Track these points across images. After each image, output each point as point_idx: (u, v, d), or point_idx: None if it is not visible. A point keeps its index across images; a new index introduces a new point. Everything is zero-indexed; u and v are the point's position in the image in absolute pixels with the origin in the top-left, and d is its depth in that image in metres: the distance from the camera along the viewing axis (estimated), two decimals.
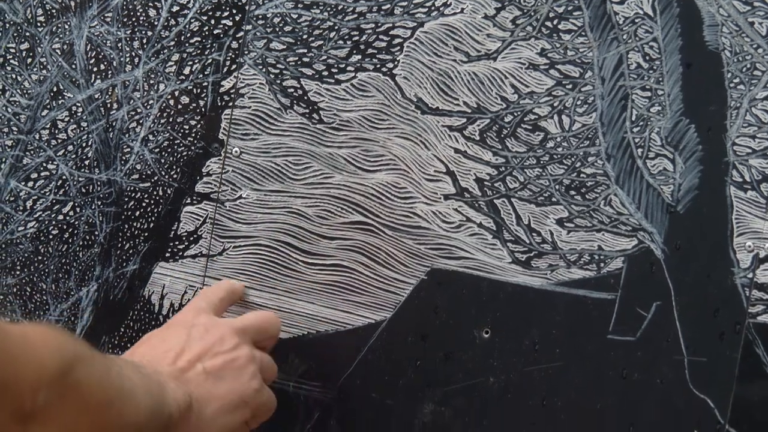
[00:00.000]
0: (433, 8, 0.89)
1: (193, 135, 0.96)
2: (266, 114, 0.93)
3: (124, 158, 0.98)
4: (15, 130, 1.01)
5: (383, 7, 0.90)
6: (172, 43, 0.96)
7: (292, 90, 0.92)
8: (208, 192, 0.95)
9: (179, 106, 0.96)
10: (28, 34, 1.00)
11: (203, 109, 0.96)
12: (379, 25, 0.90)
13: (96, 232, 0.99)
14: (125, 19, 0.97)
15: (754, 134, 0.82)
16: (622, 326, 0.85)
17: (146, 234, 0.98)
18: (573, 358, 0.86)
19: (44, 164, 1.01)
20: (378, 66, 0.90)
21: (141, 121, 0.98)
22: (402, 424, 0.90)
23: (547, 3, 0.86)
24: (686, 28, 0.83)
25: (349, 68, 0.91)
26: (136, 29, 0.97)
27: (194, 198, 0.96)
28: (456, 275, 0.89)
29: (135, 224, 0.98)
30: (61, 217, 1.00)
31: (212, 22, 0.95)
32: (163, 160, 0.97)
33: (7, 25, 1.01)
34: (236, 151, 0.94)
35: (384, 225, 0.90)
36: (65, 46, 0.99)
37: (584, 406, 0.86)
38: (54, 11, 0.99)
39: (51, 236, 1.01)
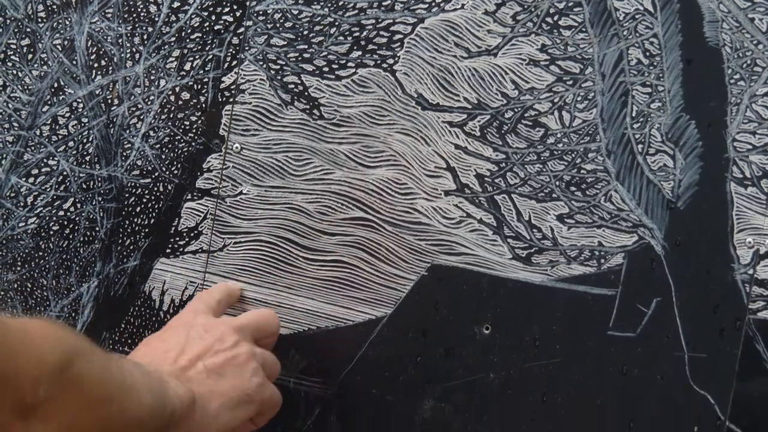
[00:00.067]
0: (433, 4, 0.89)
1: (194, 131, 0.97)
2: (267, 110, 0.94)
3: (124, 154, 0.99)
4: (16, 126, 1.02)
5: (384, 3, 0.91)
6: (173, 39, 0.97)
7: (293, 86, 0.93)
8: (208, 188, 0.96)
9: (180, 102, 0.97)
10: (29, 30, 1.01)
11: (204, 105, 0.96)
12: (380, 21, 0.91)
13: (97, 228, 1.00)
14: (126, 15, 0.98)
15: (755, 130, 0.82)
16: (622, 322, 0.86)
17: (147, 230, 0.98)
18: (573, 354, 0.87)
19: (45, 160, 1.01)
20: (378, 62, 0.91)
21: (142, 117, 0.98)
22: (402, 420, 0.91)
23: None
24: (686, 25, 0.83)
25: (349, 64, 0.92)
26: (136, 25, 0.98)
27: (195, 194, 0.97)
28: (456, 271, 0.90)
29: (136, 220, 0.99)
30: (61, 213, 1.01)
31: (213, 18, 0.96)
32: (163, 156, 0.98)
33: (8, 21, 1.02)
34: (237, 147, 0.95)
35: (384, 221, 0.91)
36: (66, 42, 1.00)
37: (584, 402, 0.86)
38: (55, 7, 1.00)
39: (52, 232, 1.02)
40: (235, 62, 0.95)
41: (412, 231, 0.91)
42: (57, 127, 1.01)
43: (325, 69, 0.92)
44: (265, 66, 0.94)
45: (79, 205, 1.00)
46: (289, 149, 0.93)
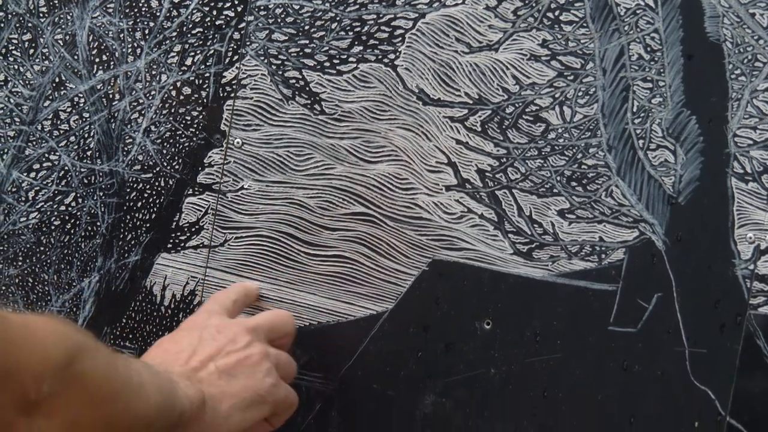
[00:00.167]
0: None
1: (195, 126, 0.98)
2: (268, 105, 0.95)
3: (126, 149, 1.00)
4: (17, 121, 1.03)
5: None
6: (174, 34, 0.98)
7: (294, 81, 0.94)
8: (209, 183, 0.97)
9: (181, 97, 0.98)
10: (30, 24, 1.02)
11: (205, 100, 0.97)
12: (381, 16, 0.91)
13: (98, 223, 1.01)
14: (127, 10, 0.99)
15: (755, 125, 0.83)
16: (623, 318, 0.86)
17: (148, 225, 0.99)
18: (574, 350, 0.87)
19: (46, 155, 1.02)
20: (380, 57, 0.92)
21: (143, 112, 0.99)
22: (403, 415, 0.92)
23: None
24: (687, 20, 0.84)
25: (350, 59, 0.93)
26: (138, 20, 0.99)
27: (196, 189, 0.98)
28: (457, 266, 0.90)
29: (137, 215, 1.00)
30: (63, 207, 1.02)
31: (214, 12, 0.97)
32: (165, 151, 0.99)
33: (10, 15, 1.03)
34: (238, 142, 0.96)
35: (385, 216, 0.92)
36: (67, 37, 1.01)
37: (585, 397, 0.87)
38: (56, 2, 1.01)
39: (53, 227, 1.02)
40: (236, 57, 0.96)
41: (413, 226, 0.91)
42: (58, 122, 1.02)
43: (327, 64, 0.93)
44: (266, 61, 0.95)
45: (80, 200, 1.01)
46: (290, 144, 0.94)
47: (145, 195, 0.99)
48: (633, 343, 0.86)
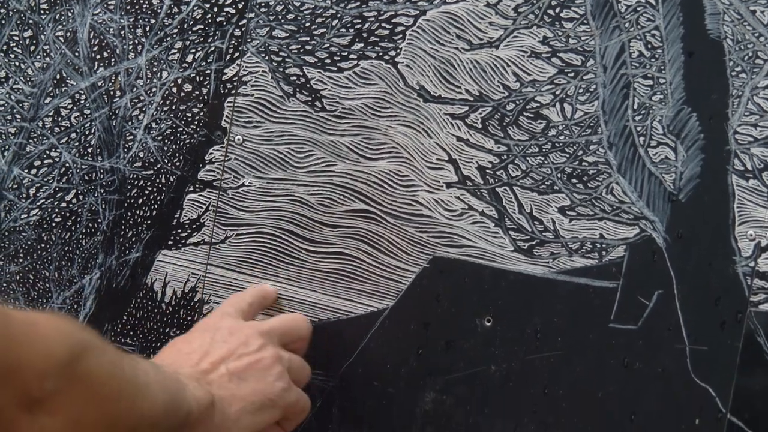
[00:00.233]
0: None
1: (196, 123, 0.98)
2: (269, 102, 0.96)
3: (127, 146, 1.00)
4: (18, 118, 1.03)
5: None
6: (175, 30, 0.99)
7: (295, 78, 0.95)
8: (210, 180, 0.98)
9: (182, 94, 0.99)
10: (31, 21, 1.03)
11: (206, 97, 0.98)
12: (382, 12, 0.92)
13: (99, 220, 1.02)
14: (128, 7, 1.00)
15: (756, 123, 0.83)
16: (623, 315, 0.87)
17: (149, 222, 1.00)
18: (574, 347, 0.88)
19: (47, 152, 1.03)
20: (380, 54, 0.92)
21: (144, 109, 1.00)
22: (403, 412, 0.92)
23: None
24: (688, 17, 0.84)
25: (351, 56, 0.93)
26: (139, 17, 0.99)
27: (197, 186, 0.98)
28: (458, 263, 0.91)
29: (138, 212, 1.00)
30: (64, 204, 1.03)
31: (215, 9, 0.97)
32: (165, 148, 0.99)
33: (11, 12, 1.03)
34: (239, 139, 0.96)
35: (386, 213, 0.93)
36: (68, 34, 1.02)
37: (586, 394, 0.87)
38: None
39: (54, 224, 1.03)
40: (237, 54, 0.97)
41: (413, 223, 0.92)
42: (59, 119, 1.03)
43: (327, 61, 0.94)
44: (267, 58, 0.95)
45: (81, 197, 1.02)
46: (291, 141, 0.95)
47: (146, 192, 1.00)
48: (634, 340, 0.86)
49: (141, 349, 1.00)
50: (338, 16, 0.93)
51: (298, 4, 0.94)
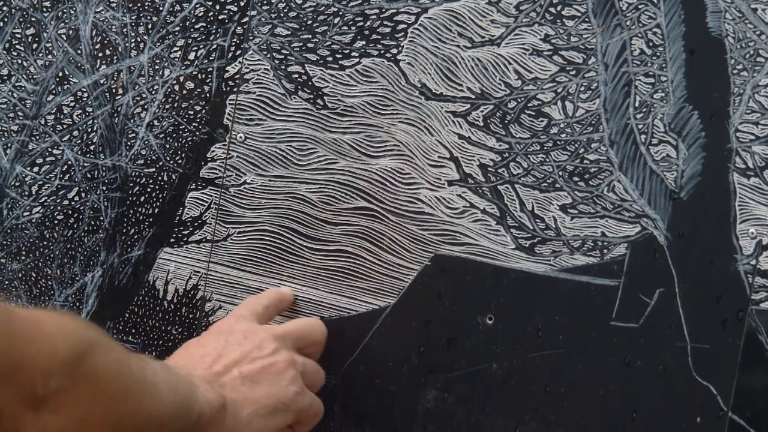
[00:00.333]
0: None
1: (198, 120, 0.99)
2: (271, 99, 0.96)
3: (129, 144, 1.01)
4: (21, 116, 1.04)
5: None
6: (177, 28, 0.99)
7: (297, 76, 0.96)
8: (212, 177, 0.99)
9: (184, 92, 0.99)
10: (33, 19, 1.04)
11: (208, 95, 0.99)
12: (384, 10, 0.93)
13: (101, 218, 1.02)
14: (130, 5, 1.00)
15: (757, 121, 0.83)
16: (625, 313, 0.87)
17: (151, 219, 1.01)
18: (576, 345, 0.88)
19: (50, 149, 1.04)
20: (382, 52, 0.93)
21: (146, 107, 1.01)
22: (405, 410, 0.93)
23: None
24: (689, 15, 0.85)
25: (353, 54, 0.94)
26: (141, 14, 1.00)
27: (199, 183, 0.99)
28: (460, 261, 0.92)
29: (140, 209, 1.01)
30: (66, 202, 1.03)
31: (217, 7, 0.98)
32: (168, 146, 1.00)
33: (13, 10, 1.04)
34: (241, 137, 0.97)
35: (388, 211, 0.93)
36: (71, 32, 1.02)
37: (587, 392, 0.88)
38: None
39: (56, 221, 1.04)
40: (239, 52, 0.98)
41: (415, 221, 0.93)
42: (62, 117, 1.03)
43: (329, 59, 0.95)
44: (269, 55, 0.96)
45: (83, 195, 1.03)
46: (293, 139, 0.96)
47: (148, 189, 1.01)
48: (635, 338, 0.87)
49: (143, 347, 1.01)
50: (340, 13, 0.94)
51: (300, 2, 0.95)
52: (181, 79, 0.99)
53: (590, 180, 0.88)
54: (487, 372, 0.91)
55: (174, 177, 1.00)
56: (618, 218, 0.87)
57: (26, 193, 1.04)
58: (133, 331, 1.01)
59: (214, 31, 0.98)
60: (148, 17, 1.00)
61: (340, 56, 0.94)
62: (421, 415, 0.93)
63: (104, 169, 1.02)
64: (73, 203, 1.03)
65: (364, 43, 0.93)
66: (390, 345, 0.94)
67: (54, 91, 1.03)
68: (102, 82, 1.02)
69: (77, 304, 1.03)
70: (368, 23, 0.93)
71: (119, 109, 1.01)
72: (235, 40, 0.98)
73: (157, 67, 1.00)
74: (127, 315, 1.02)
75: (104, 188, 1.02)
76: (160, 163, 1.00)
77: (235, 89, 0.97)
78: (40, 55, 1.03)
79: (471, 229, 0.91)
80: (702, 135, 0.85)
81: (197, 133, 0.99)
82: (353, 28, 0.94)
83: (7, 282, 1.05)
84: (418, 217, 0.93)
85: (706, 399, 0.85)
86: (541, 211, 0.90)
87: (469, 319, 0.91)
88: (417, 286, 0.93)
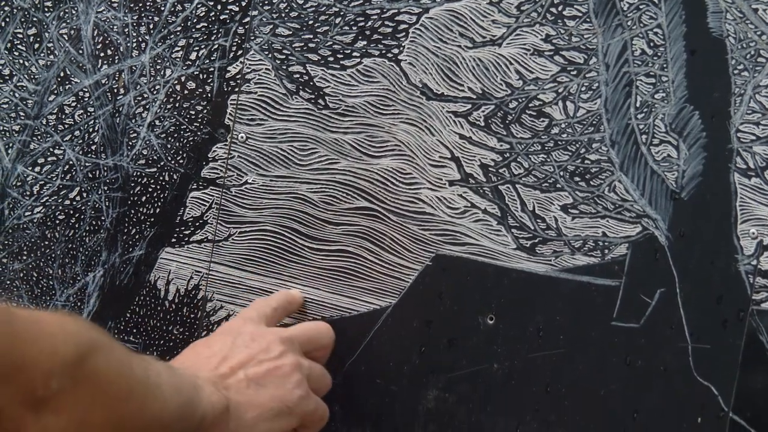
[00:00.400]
0: None
1: (200, 120, 0.99)
2: (272, 99, 0.97)
3: (130, 143, 1.02)
4: (22, 116, 1.05)
5: None
6: (179, 28, 1.00)
7: (298, 75, 0.96)
8: (214, 177, 0.99)
9: (185, 92, 1.00)
10: (35, 19, 1.04)
11: (209, 95, 0.99)
12: (385, 10, 0.93)
13: (102, 218, 1.03)
14: (132, 5, 1.01)
15: (758, 121, 0.84)
16: (626, 313, 0.87)
17: (152, 219, 1.01)
18: (577, 345, 0.89)
19: (51, 149, 1.04)
20: (383, 52, 0.93)
21: (147, 107, 1.01)
22: (406, 409, 0.93)
23: None
24: (690, 15, 0.85)
25: (354, 54, 0.94)
26: (142, 14, 1.01)
27: (200, 183, 0.99)
28: (461, 261, 0.92)
29: (141, 209, 1.01)
30: (67, 202, 1.04)
31: (218, 7, 0.99)
32: (169, 146, 1.00)
33: (15, 10, 1.04)
34: (242, 137, 0.98)
35: (389, 210, 0.94)
36: (72, 32, 1.03)
37: (588, 392, 0.88)
38: None
39: (57, 221, 1.04)
40: (240, 52, 0.98)
41: (416, 221, 0.93)
42: (63, 117, 1.04)
43: (330, 59, 0.95)
44: (270, 55, 0.97)
45: (84, 195, 1.03)
46: (294, 139, 0.96)
47: (150, 189, 1.01)
48: (636, 338, 0.87)
49: (144, 347, 1.02)
50: (341, 13, 0.94)
51: (301, 2, 0.95)
52: (183, 79, 1.00)
53: (591, 180, 0.88)
54: (488, 372, 0.91)
55: (175, 177, 1.00)
56: (619, 218, 0.88)
57: (27, 193, 1.05)
58: (135, 331, 1.02)
59: (215, 31, 0.99)
60: (150, 17, 1.00)
61: (342, 56, 0.95)
62: (422, 415, 0.93)
63: (106, 168, 1.02)
64: (74, 203, 1.03)
65: (365, 43, 0.94)
66: (391, 345, 0.94)
67: (55, 91, 1.04)
68: (103, 82, 1.02)
69: (78, 303, 1.03)
70: (369, 23, 0.94)
71: (121, 109, 1.02)
72: (236, 40, 0.98)
73: (158, 67, 1.00)
74: (128, 315, 1.02)
75: (105, 188, 1.02)
76: (162, 163, 1.01)
77: (237, 89, 0.98)
78: (42, 55, 1.04)
79: (472, 229, 0.92)
80: (703, 135, 0.85)
81: (199, 133, 0.99)
82: (354, 28, 0.94)
83: (8, 282, 1.05)
84: (419, 217, 0.93)
85: (706, 399, 0.85)
86: (542, 211, 0.90)
87: (470, 319, 0.92)
88: (418, 286, 0.93)
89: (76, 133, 1.03)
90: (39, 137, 1.04)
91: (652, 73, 0.87)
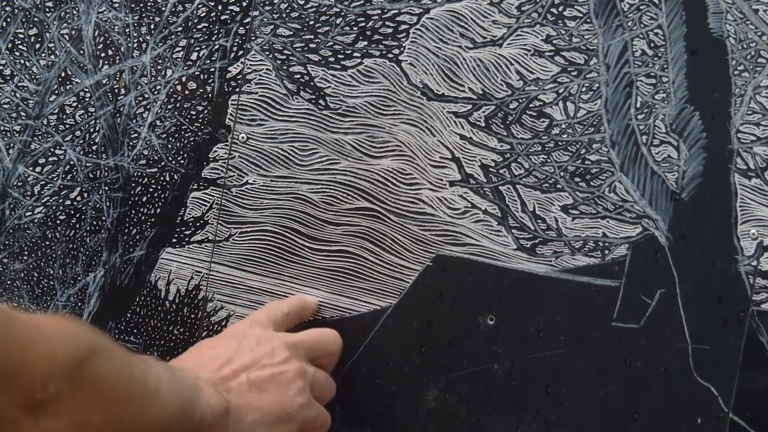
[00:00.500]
0: None
1: (200, 121, 1.00)
2: (273, 100, 0.97)
3: (131, 144, 1.02)
4: (23, 116, 1.05)
5: None
6: (180, 28, 1.00)
7: (299, 76, 0.96)
8: (214, 177, 0.99)
9: (186, 92, 1.00)
10: (36, 19, 1.04)
11: (210, 95, 0.99)
12: (386, 11, 0.94)
13: (103, 218, 1.03)
14: (133, 5, 1.01)
15: (759, 122, 0.84)
16: (626, 313, 0.87)
17: (153, 219, 1.01)
18: (577, 346, 0.89)
19: (52, 149, 1.04)
20: (384, 52, 0.94)
21: (148, 107, 1.01)
22: (406, 410, 0.93)
23: None
24: (691, 16, 0.85)
25: (355, 54, 0.95)
26: (143, 15, 1.01)
27: (201, 183, 1.00)
28: (461, 262, 0.92)
29: (142, 210, 1.02)
30: (68, 202, 1.04)
31: (219, 7, 0.99)
32: (170, 146, 1.01)
33: (16, 10, 1.05)
34: (243, 137, 0.98)
35: (389, 211, 0.94)
36: (73, 32, 1.03)
37: (588, 393, 0.88)
38: None
39: (58, 221, 1.05)
40: (241, 52, 0.98)
41: (416, 221, 0.93)
42: (64, 117, 1.04)
43: (331, 59, 0.95)
44: (271, 56, 0.97)
45: (85, 195, 1.03)
46: (295, 139, 0.97)
47: (150, 190, 1.01)
48: (636, 339, 0.87)
49: (144, 347, 1.02)
50: (342, 14, 0.95)
51: (302, 2, 0.96)
52: (184, 79, 1.00)
53: (591, 181, 0.89)
54: (488, 372, 0.91)
55: (176, 177, 1.00)
56: (619, 219, 0.88)
57: (28, 193, 1.05)
58: (135, 331, 1.02)
59: (216, 32, 0.99)
60: (151, 17, 1.01)
61: (342, 57, 0.95)
62: (423, 416, 0.93)
63: (106, 169, 1.03)
64: (75, 203, 1.04)
65: (366, 43, 0.94)
66: (391, 345, 0.94)
67: (56, 91, 1.04)
68: (104, 82, 1.02)
69: (79, 304, 1.04)
70: (370, 24, 0.94)
71: (121, 110, 1.02)
72: (237, 40, 0.98)
73: (159, 67, 1.01)
74: (128, 315, 1.03)
75: (106, 188, 1.03)
76: (162, 164, 1.01)
77: (237, 89, 0.98)
78: (43, 55, 1.04)
79: (472, 230, 0.92)
80: (703, 136, 0.86)
81: (199, 134, 1.00)
82: (355, 28, 0.94)
83: (9, 282, 1.06)
84: (420, 217, 0.93)
85: (706, 400, 0.85)
86: (542, 212, 0.90)
87: (470, 319, 0.92)
88: (418, 287, 0.93)
89: (77, 133, 1.03)
90: (40, 137, 1.04)
91: (652, 73, 0.87)
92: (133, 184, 1.02)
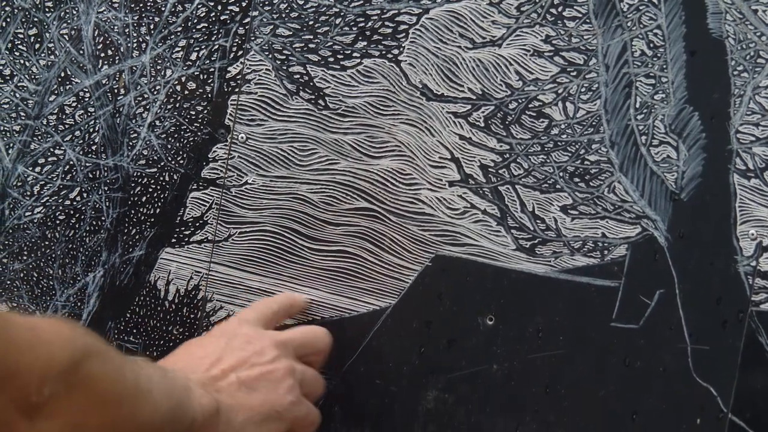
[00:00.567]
0: None
1: (200, 121, 1.00)
2: (272, 100, 0.97)
3: (130, 144, 1.02)
4: (23, 116, 1.05)
5: None
6: (179, 28, 1.00)
7: (298, 76, 0.97)
8: (214, 178, 0.99)
9: (186, 92, 1.00)
10: (36, 19, 1.05)
11: (210, 95, 1.00)
12: (385, 11, 0.94)
13: (102, 218, 1.03)
14: (132, 5, 1.01)
15: (758, 122, 0.84)
16: (625, 314, 0.88)
17: (152, 219, 1.02)
18: (576, 346, 0.89)
19: (51, 149, 1.05)
20: (383, 52, 0.94)
21: (148, 107, 1.02)
22: (406, 410, 0.94)
23: None
24: (690, 16, 0.86)
25: (354, 54, 0.95)
26: (143, 15, 1.01)
27: (200, 184, 1.00)
28: (460, 262, 0.92)
29: (141, 210, 1.02)
30: (68, 202, 1.04)
31: (219, 8, 0.99)
32: (169, 146, 1.01)
33: (16, 10, 1.05)
34: (242, 137, 0.98)
35: (389, 211, 0.94)
36: (73, 32, 1.03)
37: (587, 393, 0.89)
38: None
39: (58, 221, 1.05)
40: (240, 52, 0.98)
41: (416, 221, 0.94)
42: (64, 117, 1.04)
43: (331, 59, 0.96)
44: (270, 56, 0.97)
45: (85, 195, 1.04)
46: (294, 139, 0.97)
47: (150, 190, 1.02)
48: (635, 339, 0.87)
49: (144, 347, 1.02)
50: (342, 14, 0.95)
51: (301, 2, 0.96)
52: (183, 79, 1.00)
53: (591, 181, 0.89)
54: (487, 373, 0.92)
55: (175, 177, 1.01)
56: (618, 219, 0.88)
57: (28, 193, 1.05)
58: (134, 331, 1.02)
59: (215, 32, 0.99)
60: (150, 17, 1.01)
61: (342, 57, 0.95)
62: (422, 416, 0.93)
63: (106, 169, 1.03)
64: (74, 203, 1.04)
65: (365, 43, 0.94)
66: (391, 345, 0.94)
67: (56, 91, 1.04)
68: (104, 82, 1.03)
69: (78, 304, 1.04)
70: (370, 24, 0.94)
71: (121, 110, 1.02)
72: (236, 40, 0.98)
73: (159, 67, 1.01)
74: (128, 315, 1.03)
75: (106, 188, 1.03)
76: (162, 164, 1.01)
77: (237, 90, 0.98)
78: (43, 55, 1.04)
79: (472, 230, 0.92)
80: (702, 136, 0.86)
81: (199, 134, 1.00)
82: (355, 28, 0.95)
83: (8, 282, 1.06)
84: (419, 217, 0.93)
85: (706, 400, 0.86)
86: (541, 212, 0.90)
87: (469, 319, 0.92)
88: (418, 287, 0.94)
89: (77, 133, 1.04)
90: (39, 137, 1.05)
91: (651, 74, 0.87)
92: (133, 184, 1.02)
